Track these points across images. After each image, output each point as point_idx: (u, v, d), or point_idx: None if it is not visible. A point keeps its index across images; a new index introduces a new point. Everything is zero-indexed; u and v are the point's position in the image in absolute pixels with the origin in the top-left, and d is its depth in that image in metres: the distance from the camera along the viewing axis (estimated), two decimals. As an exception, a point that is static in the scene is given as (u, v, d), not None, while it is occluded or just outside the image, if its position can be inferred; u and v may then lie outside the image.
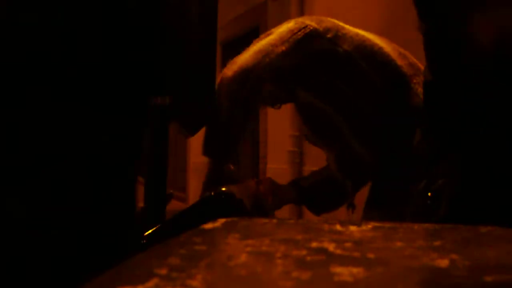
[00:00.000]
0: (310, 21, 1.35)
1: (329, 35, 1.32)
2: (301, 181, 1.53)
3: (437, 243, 0.41)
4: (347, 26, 1.37)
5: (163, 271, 0.32)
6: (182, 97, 1.20)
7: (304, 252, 0.37)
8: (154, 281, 0.30)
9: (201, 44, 1.22)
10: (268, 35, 1.35)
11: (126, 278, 0.32)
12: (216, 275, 0.33)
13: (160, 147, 1.20)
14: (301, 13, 4.03)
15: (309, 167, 3.79)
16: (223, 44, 5.73)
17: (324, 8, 3.77)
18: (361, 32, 1.37)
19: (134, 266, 0.36)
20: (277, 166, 4.34)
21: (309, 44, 1.32)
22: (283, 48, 1.30)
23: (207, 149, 1.31)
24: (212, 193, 1.25)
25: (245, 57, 1.30)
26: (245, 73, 1.27)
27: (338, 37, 1.32)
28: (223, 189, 1.24)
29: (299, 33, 1.31)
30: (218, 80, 1.31)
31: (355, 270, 0.33)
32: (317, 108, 1.39)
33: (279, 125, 4.24)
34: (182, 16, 1.18)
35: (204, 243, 0.40)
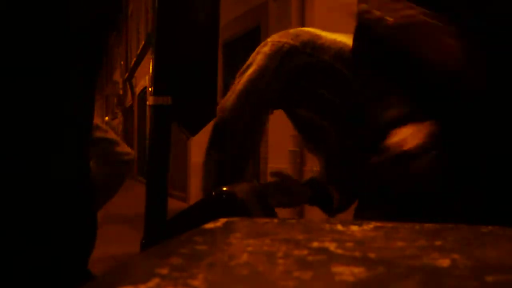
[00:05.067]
0: (286, 38, 1.36)
1: (307, 50, 1.33)
2: (314, 181, 1.53)
3: (438, 242, 0.41)
4: (324, 34, 1.38)
5: (164, 271, 0.32)
6: (183, 97, 1.20)
7: (305, 252, 0.37)
8: (155, 280, 0.30)
9: (203, 44, 1.22)
10: (248, 66, 1.36)
11: (127, 277, 0.32)
12: (218, 274, 0.33)
13: (161, 147, 1.20)
14: (302, 12, 4.03)
15: (310, 167, 3.79)
16: (223, 44, 5.73)
17: (325, 8, 3.77)
18: (340, 37, 1.38)
19: (135, 265, 0.36)
20: (278, 166, 4.35)
21: (289, 62, 1.33)
22: (266, 80, 1.32)
23: (207, 189, 1.33)
24: (214, 193, 1.25)
25: (230, 103, 1.32)
26: (235, 121, 1.30)
27: (316, 49, 1.33)
28: (225, 188, 1.24)
29: (277, 55, 1.33)
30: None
31: (356, 269, 0.33)
32: (306, 117, 1.41)
33: (279, 125, 4.25)
34: (184, 16, 1.18)
35: (205, 243, 0.40)
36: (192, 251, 0.38)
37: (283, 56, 1.32)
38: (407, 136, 0.82)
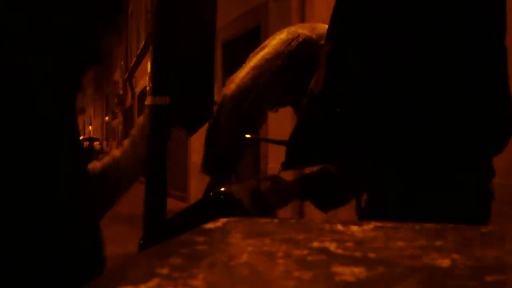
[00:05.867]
0: (302, 30, 1.36)
1: (322, 42, 1.33)
2: (307, 177, 1.52)
3: (438, 243, 0.41)
4: None
5: (165, 271, 0.32)
6: (181, 97, 1.20)
7: (305, 252, 0.37)
8: (156, 280, 0.30)
9: (200, 44, 1.23)
10: (263, 48, 1.36)
11: (127, 277, 0.32)
12: (218, 274, 0.33)
13: (160, 147, 1.20)
14: (302, 13, 4.03)
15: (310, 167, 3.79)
16: (224, 44, 5.74)
17: (325, 8, 3.77)
18: None
19: (135, 265, 0.36)
20: (278, 166, 4.34)
21: (304, 52, 1.33)
22: (279, 62, 1.31)
23: (207, 167, 1.33)
24: (211, 194, 1.25)
25: (242, 75, 1.31)
26: (244, 93, 1.29)
27: None
28: (222, 189, 1.24)
29: (293, 43, 1.33)
30: (218, 98, 1.33)
31: (356, 270, 0.33)
32: None
33: (280, 124, 4.25)
34: (182, 17, 1.18)
35: (206, 243, 0.40)
36: (192, 251, 0.38)
37: (299, 45, 1.32)
38: None
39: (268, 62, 1.31)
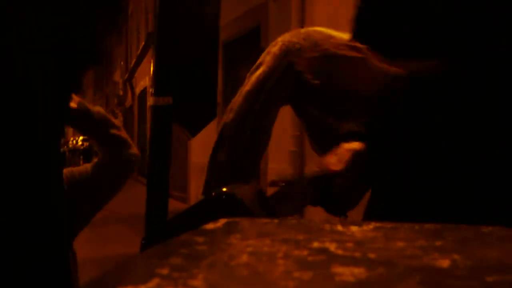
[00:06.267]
0: (296, 39, 1.36)
1: (317, 49, 1.33)
2: (319, 179, 1.51)
3: (438, 243, 0.41)
4: (335, 33, 1.38)
5: (165, 271, 0.32)
6: (184, 97, 1.21)
7: (305, 252, 0.37)
8: (156, 281, 0.30)
9: (203, 44, 1.22)
10: (258, 67, 1.36)
11: (127, 278, 0.32)
12: (218, 275, 0.33)
13: (162, 148, 1.20)
14: (302, 13, 4.03)
15: (310, 167, 3.80)
16: (224, 44, 5.74)
17: (325, 8, 3.77)
18: None
19: (135, 266, 0.36)
20: (278, 166, 4.34)
21: (299, 62, 1.33)
22: (274, 81, 1.32)
23: (207, 191, 1.34)
24: (213, 194, 1.25)
25: (239, 101, 1.32)
26: (244, 121, 1.30)
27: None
28: (224, 189, 1.24)
29: (287, 58, 1.33)
30: (220, 127, 1.33)
31: (356, 270, 0.33)
32: (316, 117, 1.40)
33: (280, 125, 4.24)
34: (185, 17, 1.18)
35: (206, 243, 0.40)
36: (192, 251, 0.38)
37: (293, 57, 1.32)
38: (334, 159, 1.09)
39: (263, 82, 1.32)
